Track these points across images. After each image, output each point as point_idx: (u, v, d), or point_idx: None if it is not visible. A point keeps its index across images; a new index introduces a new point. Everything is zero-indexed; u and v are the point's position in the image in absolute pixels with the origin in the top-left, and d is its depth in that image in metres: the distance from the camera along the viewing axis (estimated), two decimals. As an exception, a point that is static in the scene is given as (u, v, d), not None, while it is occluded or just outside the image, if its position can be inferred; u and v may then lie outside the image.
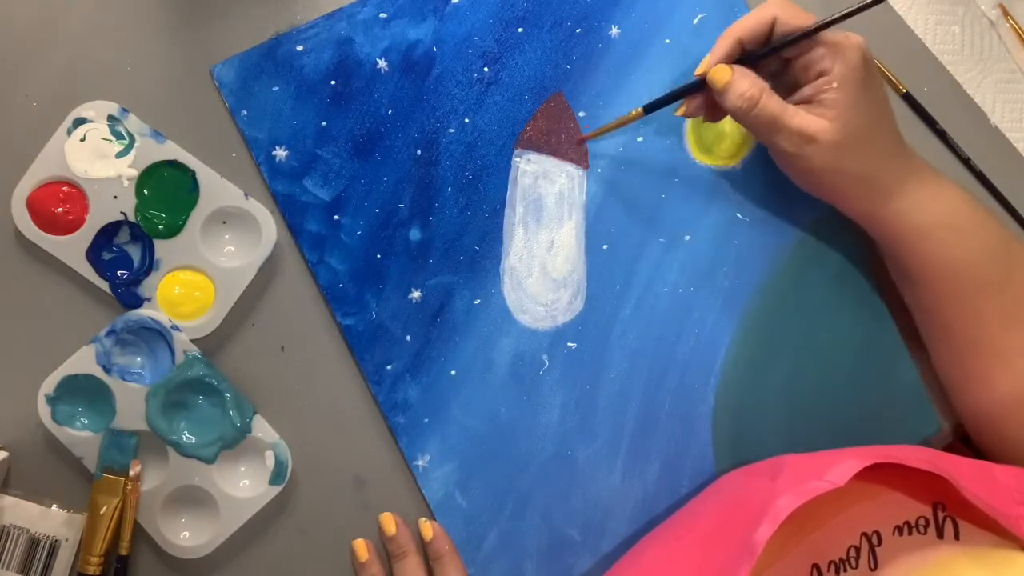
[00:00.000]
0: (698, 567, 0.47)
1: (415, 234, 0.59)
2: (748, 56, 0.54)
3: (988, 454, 0.57)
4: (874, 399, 0.61)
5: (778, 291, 0.61)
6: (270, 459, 0.57)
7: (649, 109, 0.57)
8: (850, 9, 0.51)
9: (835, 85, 0.51)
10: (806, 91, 0.52)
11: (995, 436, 0.57)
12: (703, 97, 0.56)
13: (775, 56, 0.54)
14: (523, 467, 0.59)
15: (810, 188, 0.56)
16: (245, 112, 0.58)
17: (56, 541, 0.55)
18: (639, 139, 0.61)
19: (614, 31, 0.61)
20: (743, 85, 0.52)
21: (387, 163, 0.59)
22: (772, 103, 0.52)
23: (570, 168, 0.60)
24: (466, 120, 0.60)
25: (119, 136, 0.56)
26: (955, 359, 0.57)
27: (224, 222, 0.58)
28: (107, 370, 0.55)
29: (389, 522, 0.57)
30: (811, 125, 0.51)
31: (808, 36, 0.52)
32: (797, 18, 0.52)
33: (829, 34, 0.52)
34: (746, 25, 0.52)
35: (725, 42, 0.53)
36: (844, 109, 0.51)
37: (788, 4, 0.52)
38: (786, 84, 0.55)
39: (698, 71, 0.54)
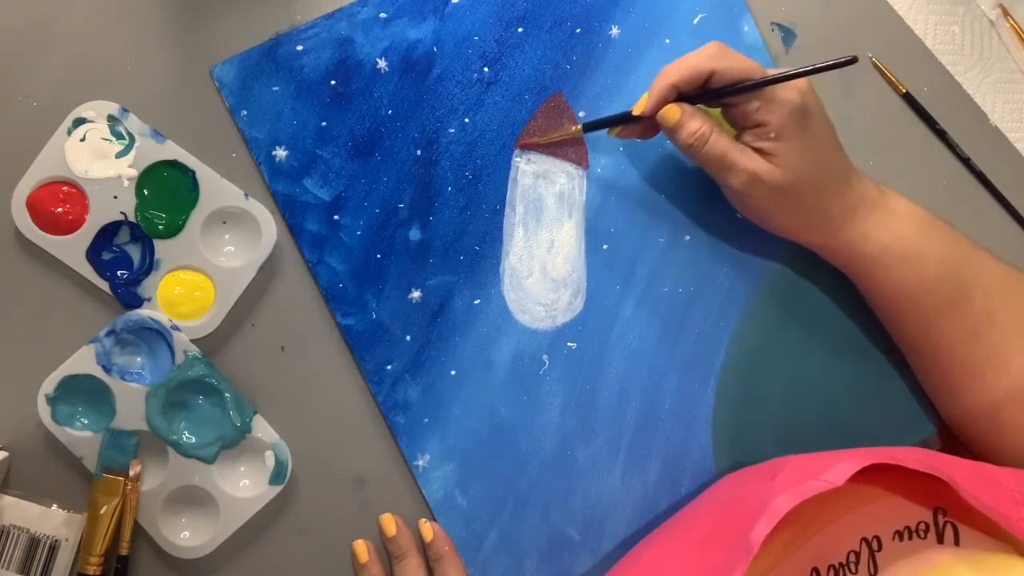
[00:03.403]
0: (696, 567, 0.47)
1: (415, 234, 0.59)
2: (685, 97, 0.53)
3: (977, 457, 0.58)
4: (873, 399, 0.61)
5: (778, 291, 0.61)
6: (270, 459, 0.57)
7: (588, 128, 0.58)
8: (778, 75, 0.51)
9: (772, 135, 0.51)
10: (747, 138, 0.53)
11: (974, 443, 0.58)
12: (640, 125, 0.56)
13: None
14: (523, 467, 0.59)
15: (762, 224, 0.56)
16: (245, 112, 0.58)
17: (56, 541, 0.55)
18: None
19: (614, 31, 0.61)
20: (694, 124, 0.52)
21: (387, 163, 0.59)
22: (722, 140, 0.52)
23: (570, 168, 0.60)
24: (466, 120, 0.60)
25: (119, 136, 0.56)
26: (924, 374, 0.59)
27: (224, 222, 0.58)
28: (107, 370, 0.55)
29: (389, 523, 0.58)
30: (757, 165, 0.52)
31: (740, 92, 0.51)
32: (735, 69, 0.51)
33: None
34: (682, 73, 0.52)
35: (659, 86, 0.53)
36: (785, 156, 0.52)
37: (726, 54, 0.52)
38: (730, 124, 0.55)
39: (635, 110, 0.54)
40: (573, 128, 0.58)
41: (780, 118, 0.51)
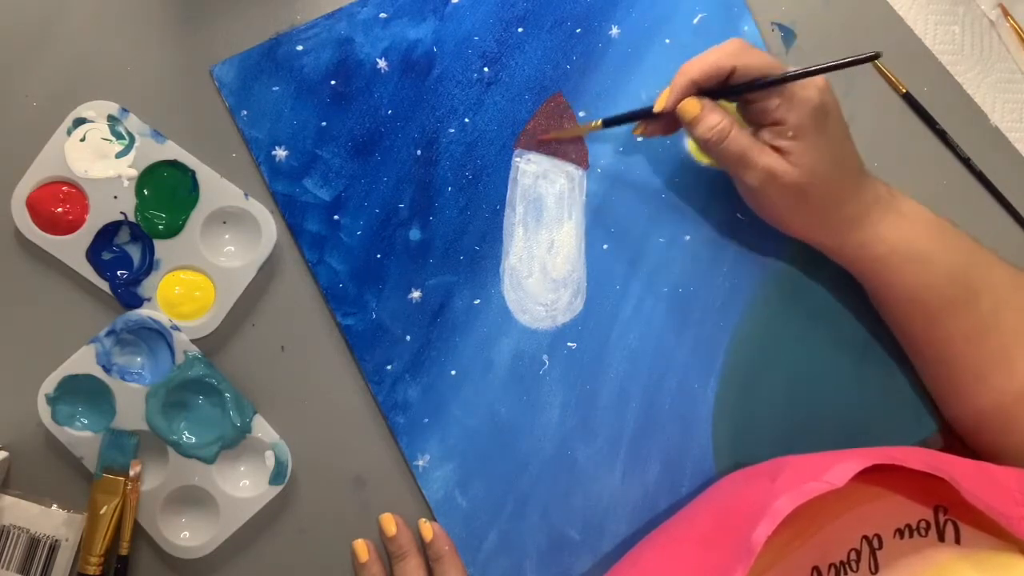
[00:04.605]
0: (697, 567, 0.47)
1: (415, 234, 0.59)
2: (705, 91, 0.53)
3: (980, 457, 0.58)
4: (874, 399, 0.61)
5: (778, 291, 0.61)
6: (270, 459, 0.57)
7: (608, 124, 0.57)
8: (800, 71, 0.50)
9: (791, 134, 0.51)
10: (765, 135, 0.53)
11: (979, 444, 0.58)
12: (662, 121, 0.56)
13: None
14: (523, 467, 0.59)
15: (774, 223, 0.56)
16: (245, 112, 0.58)
17: (56, 541, 0.55)
18: (639, 139, 0.61)
19: (614, 31, 0.61)
20: (713, 119, 0.52)
21: (387, 163, 0.59)
22: (742, 137, 0.52)
23: (570, 168, 0.60)
24: (466, 120, 0.60)
25: (119, 136, 0.56)
26: (929, 374, 0.59)
27: (224, 222, 0.58)
28: (107, 370, 0.55)
29: (389, 523, 0.58)
30: (775, 164, 0.52)
31: (761, 88, 0.51)
32: (755, 66, 0.51)
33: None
34: (703, 69, 0.52)
35: (679, 82, 0.53)
36: (801, 155, 0.51)
37: (747, 51, 0.52)
38: (746, 120, 0.55)
39: (656, 107, 0.54)
40: (593, 124, 0.58)
41: (799, 117, 0.51)
